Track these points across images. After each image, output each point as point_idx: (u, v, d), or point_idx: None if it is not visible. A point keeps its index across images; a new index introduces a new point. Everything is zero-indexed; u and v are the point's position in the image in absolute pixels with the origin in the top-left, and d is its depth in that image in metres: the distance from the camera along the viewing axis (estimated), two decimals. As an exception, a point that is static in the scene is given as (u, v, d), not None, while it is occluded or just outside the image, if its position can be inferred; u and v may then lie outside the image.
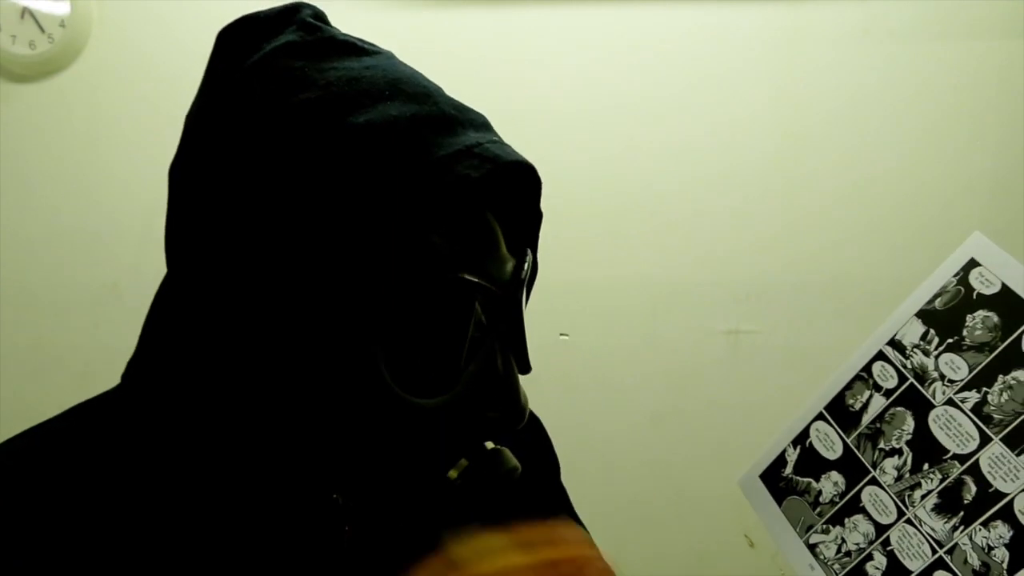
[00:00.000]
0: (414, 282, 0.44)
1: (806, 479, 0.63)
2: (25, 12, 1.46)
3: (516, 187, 0.53)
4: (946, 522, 0.55)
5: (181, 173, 0.48)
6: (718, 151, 1.44)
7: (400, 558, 0.52)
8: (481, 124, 0.48)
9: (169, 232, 0.49)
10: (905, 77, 1.42)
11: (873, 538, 0.58)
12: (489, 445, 0.49)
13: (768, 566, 1.46)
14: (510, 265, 0.49)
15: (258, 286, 0.43)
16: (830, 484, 0.61)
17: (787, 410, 1.53)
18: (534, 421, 0.71)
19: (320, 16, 0.50)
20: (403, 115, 0.44)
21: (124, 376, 0.53)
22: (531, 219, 0.55)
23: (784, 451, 0.66)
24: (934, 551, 0.55)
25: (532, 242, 0.56)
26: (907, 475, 0.58)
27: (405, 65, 0.49)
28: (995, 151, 1.41)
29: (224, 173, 0.44)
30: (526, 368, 0.49)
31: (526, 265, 0.49)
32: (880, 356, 0.62)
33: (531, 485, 0.63)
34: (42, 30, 1.45)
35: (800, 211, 1.45)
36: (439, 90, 0.48)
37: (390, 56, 0.50)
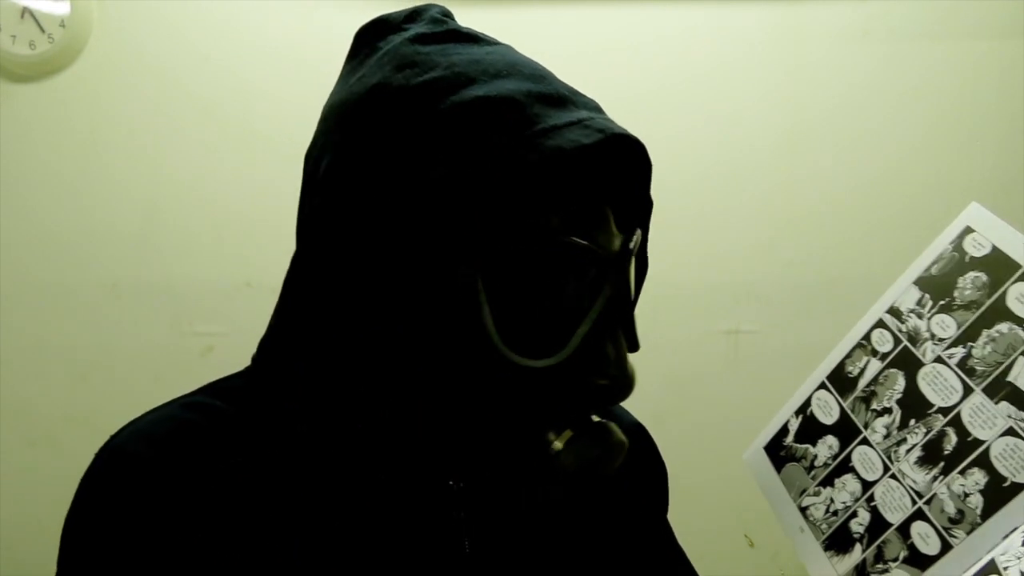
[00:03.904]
0: (525, 245, 0.45)
1: (804, 445, 0.64)
2: (25, 12, 1.45)
3: (627, 168, 0.53)
4: (927, 473, 0.56)
5: (316, 158, 0.51)
6: (718, 151, 1.44)
7: (513, 537, 0.54)
8: (594, 106, 0.50)
9: (302, 213, 0.52)
10: (905, 77, 1.42)
11: (859, 495, 0.59)
12: (595, 418, 0.50)
13: (768, 566, 1.46)
14: (619, 240, 0.50)
15: (381, 254, 0.46)
16: (825, 448, 0.62)
17: (787, 410, 1.52)
18: (650, 446, 0.70)
19: (447, 13, 0.54)
20: (519, 89, 0.46)
21: (256, 357, 0.56)
22: (642, 207, 0.55)
23: (787, 422, 0.67)
24: (914, 502, 0.56)
25: (643, 229, 0.55)
26: (895, 432, 0.59)
27: (523, 55, 0.52)
28: (995, 151, 1.41)
29: (355, 155, 0.47)
30: (635, 345, 0.50)
31: (635, 237, 0.50)
32: (879, 324, 0.64)
33: (628, 513, 0.63)
34: (42, 30, 1.45)
35: (800, 211, 1.45)
36: (554, 75, 0.51)
37: (510, 47, 0.53)
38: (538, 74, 0.49)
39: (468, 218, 0.44)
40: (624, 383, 0.49)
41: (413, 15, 0.53)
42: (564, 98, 0.48)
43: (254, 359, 0.56)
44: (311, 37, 1.46)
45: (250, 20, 1.47)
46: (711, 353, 1.46)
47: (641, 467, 0.67)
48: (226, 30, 1.47)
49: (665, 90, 1.44)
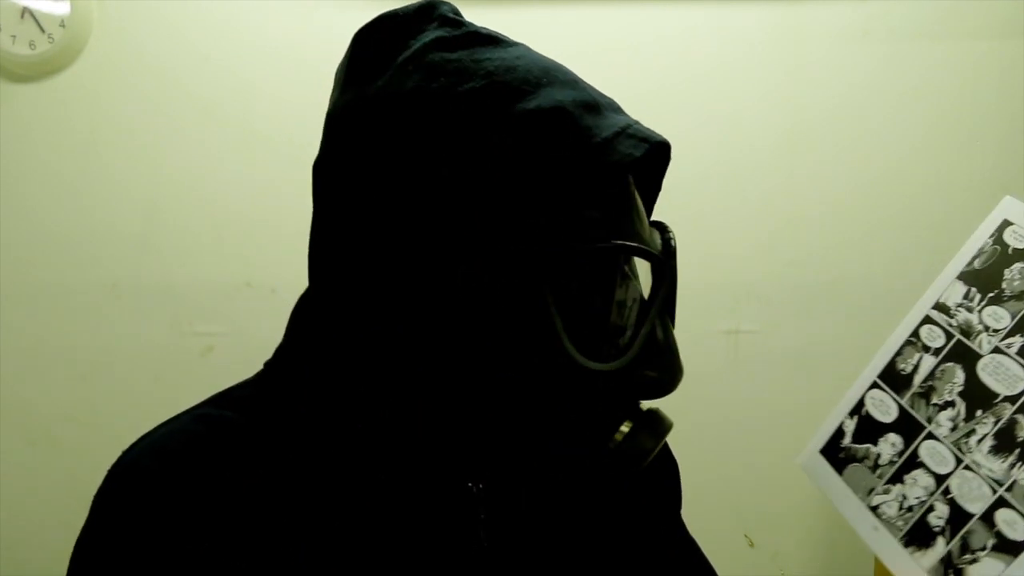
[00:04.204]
0: (586, 252, 0.47)
1: (864, 445, 0.64)
2: (25, 12, 1.45)
3: (652, 164, 0.56)
4: (1003, 461, 0.57)
5: (333, 169, 0.50)
6: (718, 151, 1.44)
7: (532, 535, 0.55)
8: (618, 107, 0.52)
9: (319, 226, 0.51)
10: (905, 77, 1.42)
11: (933, 489, 0.59)
12: (644, 406, 0.52)
13: (768, 566, 1.46)
14: (657, 235, 0.53)
15: (429, 269, 0.46)
16: (888, 446, 0.62)
17: (787, 410, 1.52)
18: (667, 452, 0.72)
19: (457, 11, 0.53)
20: (565, 99, 0.47)
21: (270, 363, 0.55)
22: (651, 190, 0.58)
23: (841, 424, 0.68)
24: (994, 491, 0.57)
25: (650, 212, 0.59)
26: (961, 424, 0.59)
27: (542, 55, 0.53)
28: (995, 151, 1.41)
29: (387, 162, 0.47)
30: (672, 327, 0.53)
31: (671, 234, 0.53)
32: (927, 320, 0.65)
33: (651, 512, 0.66)
34: (42, 30, 1.45)
35: (800, 211, 1.45)
36: (579, 76, 0.52)
37: (527, 47, 0.53)
38: (570, 78, 0.50)
39: (532, 230, 0.45)
40: (676, 374, 0.51)
41: (423, 13, 0.52)
42: (598, 103, 0.49)
43: (267, 364, 0.55)
44: (311, 37, 1.46)
45: (250, 20, 1.47)
46: (711, 353, 1.46)
47: (657, 464, 0.68)
48: (226, 30, 1.47)
49: (665, 90, 1.44)
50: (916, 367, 0.62)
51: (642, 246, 0.48)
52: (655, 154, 0.53)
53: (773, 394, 1.46)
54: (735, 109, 1.44)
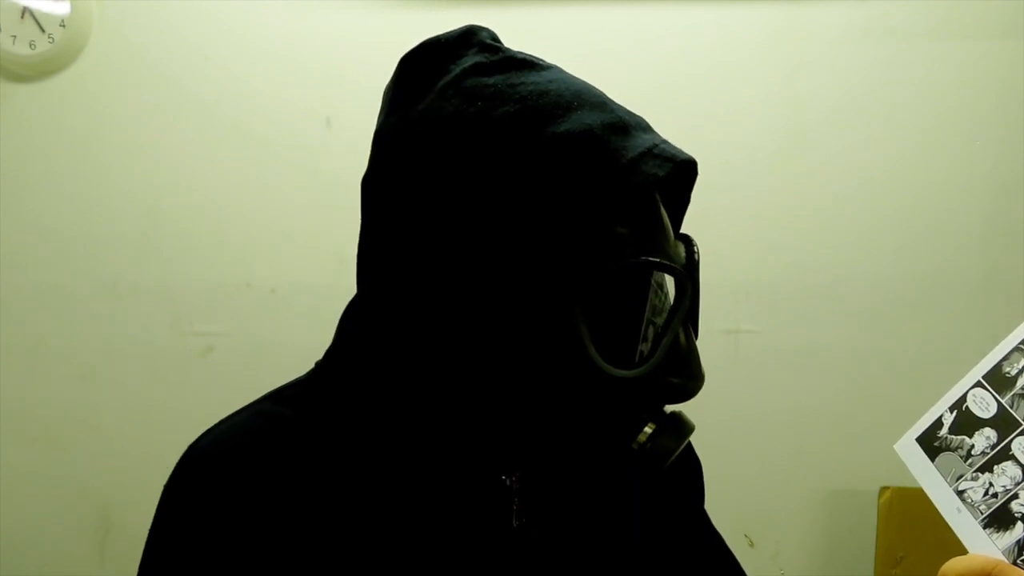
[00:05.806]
0: (612, 268, 0.50)
1: (960, 437, 0.68)
2: (25, 12, 1.46)
3: (678, 180, 0.60)
4: None
5: (379, 185, 0.54)
6: (719, 150, 1.44)
7: (583, 531, 0.59)
8: (647, 127, 0.55)
9: (367, 237, 0.55)
10: (905, 77, 1.42)
11: (1020, 480, 0.62)
12: (667, 409, 0.55)
13: (768, 566, 1.46)
14: (682, 248, 0.57)
15: (466, 280, 0.50)
16: (982, 439, 0.65)
17: (787, 410, 1.52)
18: (690, 450, 0.75)
19: (495, 37, 0.56)
20: (594, 123, 0.50)
21: (322, 363, 0.60)
22: (679, 204, 0.63)
23: (941, 416, 0.71)
24: None
25: (678, 225, 0.63)
26: None
27: (575, 77, 0.56)
28: (995, 151, 1.41)
29: (428, 181, 0.50)
30: (696, 334, 0.57)
31: (696, 247, 0.57)
32: None
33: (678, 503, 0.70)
34: (42, 30, 1.45)
35: (801, 211, 1.45)
36: (608, 97, 0.55)
37: (560, 69, 0.56)
38: (600, 101, 0.53)
39: (561, 246, 0.48)
40: (698, 380, 0.54)
41: (464, 39, 0.55)
42: (626, 124, 0.52)
43: (318, 364, 0.60)
44: (310, 37, 1.46)
45: (250, 20, 1.47)
46: (711, 353, 1.45)
47: (681, 461, 0.72)
48: (226, 30, 1.47)
49: (665, 90, 1.44)
50: (1022, 370, 0.65)
51: (665, 262, 0.51)
52: (681, 171, 0.55)
53: (773, 394, 1.46)
54: (735, 108, 1.44)
